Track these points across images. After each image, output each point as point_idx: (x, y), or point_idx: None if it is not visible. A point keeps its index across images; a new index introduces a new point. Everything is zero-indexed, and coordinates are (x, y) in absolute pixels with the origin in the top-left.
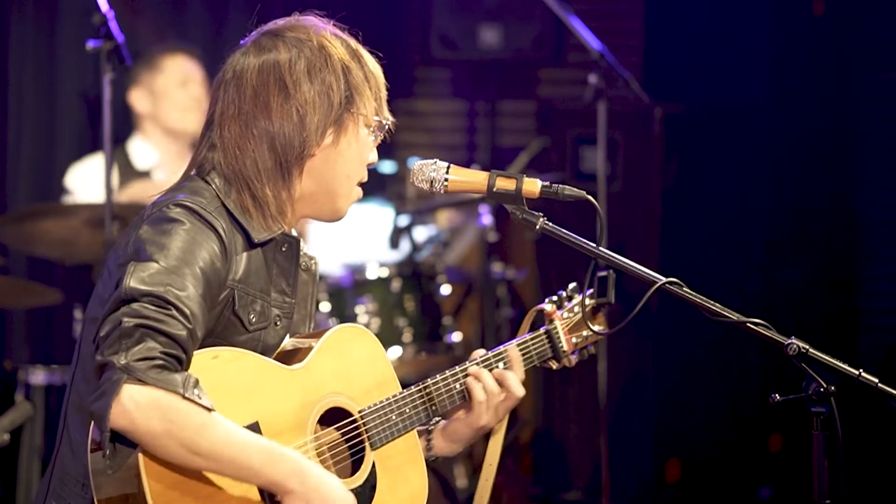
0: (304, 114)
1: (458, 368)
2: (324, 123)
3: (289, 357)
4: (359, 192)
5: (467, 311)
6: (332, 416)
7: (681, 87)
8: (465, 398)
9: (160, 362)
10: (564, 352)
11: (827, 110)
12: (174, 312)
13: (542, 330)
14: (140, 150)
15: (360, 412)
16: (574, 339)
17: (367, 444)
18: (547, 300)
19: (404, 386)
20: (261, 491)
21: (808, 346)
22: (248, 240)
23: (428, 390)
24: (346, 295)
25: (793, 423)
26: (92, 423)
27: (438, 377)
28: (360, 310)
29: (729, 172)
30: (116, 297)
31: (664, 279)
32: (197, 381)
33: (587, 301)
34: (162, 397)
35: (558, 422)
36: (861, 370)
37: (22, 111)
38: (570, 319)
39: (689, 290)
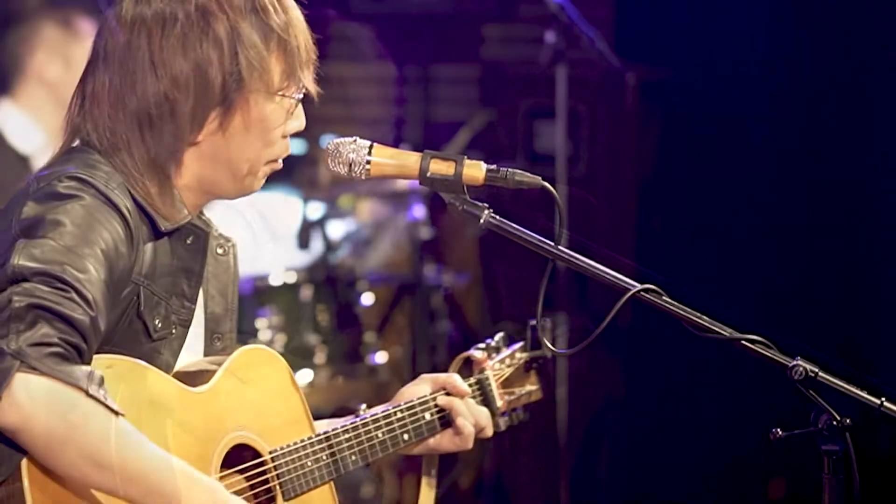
0: (173, 99)
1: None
2: (202, 110)
3: (190, 378)
4: (273, 166)
5: (394, 326)
6: (238, 453)
7: (660, 48)
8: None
9: (59, 349)
10: (498, 409)
11: (838, 79)
12: (73, 295)
13: (472, 379)
14: (13, 119)
15: (270, 453)
16: (507, 397)
17: (277, 493)
18: (474, 347)
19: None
20: None
21: (817, 369)
22: (153, 228)
23: (358, 433)
24: (243, 305)
25: (799, 465)
26: None
27: (369, 420)
28: (261, 324)
29: (719, 154)
30: (3, 278)
31: (639, 286)
32: (102, 379)
33: (518, 355)
34: (61, 392)
35: (508, 463)
36: (884, 399)
37: None
38: (502, 371)
39: (669, 300)
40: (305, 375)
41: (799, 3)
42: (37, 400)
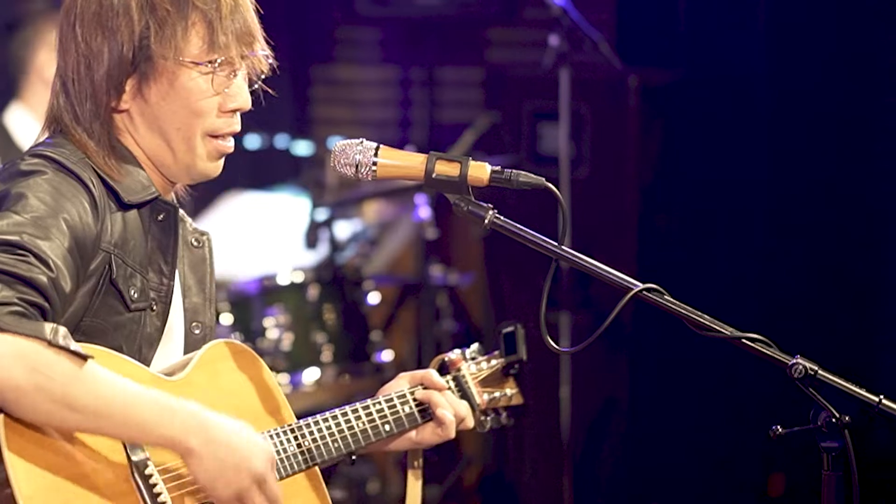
0: (90, 68)
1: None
2: (117, 76)
3: (164, 369)
4: (217, 145)
5: (400, 325)
6: None
7: (661, 51)
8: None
9: (18, 308)
10: (478, 405)
11: (839, 81)
12: (31, 258)
13: (449, 377)
14: (22, 122)
15: None
16: (486, 395)
17: None
18: (451, 350)
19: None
20: (133, 471)
21: (816, 367)
22: (118, 200)
23: (338, 421)
24: (251, 305)
25: (798, 462)
26: None
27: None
28: (269, 323)
29: (720, 155)
30: None
31: (641, 285)
32: (67, 333)
33: (495, 362)
34: (23, 344)
35: (511, 460)
36: (882, 396)
37: None
38: (479, 372)
39: (670, 299)
40: (313, 374)
41: (799, 7)
42: (0, 357)
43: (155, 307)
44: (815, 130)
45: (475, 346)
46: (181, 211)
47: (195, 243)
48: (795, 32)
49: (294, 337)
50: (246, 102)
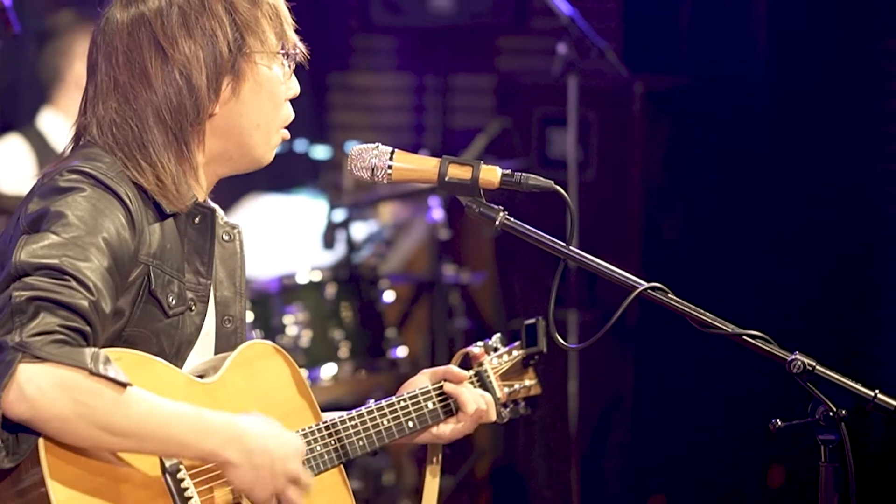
0: (188, 74)
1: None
2: (216, 78)
3: (197, 374)
4: (284, 133)
5: (415, 322)
6: None
7: (666, 59)
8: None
9: (60, 336)
10: (498, 398)
11: (840, 87)
12: (72, 283)
13: (471, 371)
14: (54, 125)
15: None
16: (506, 388)
17: None
18: (472, 345)
19: (334, 410)
20: (165, 474)
21: (814, 363)
22: (158, 209)
23: (364, 419)
24: (271, 303)
25: (797, 454)
26: None
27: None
28: (288, 320)
29: (723, 159)
30: (7, 275)
31: (646, 284)
32: (108, 358)
33: (515, 353)
34: (66, 375)
35: (521, 453)
36: (877, 391)
37: None
38: (500, 366)
39: (674, 298)
40: (330, 369)
41: (798, 14)
42: (42, 388)
43: (194, 308)
44: (815, 133)
45: (497, 336)
46: (210, 201)
47: (226, 238)
48: (795, 39)
49: (312, 334)
50: (298, 89)
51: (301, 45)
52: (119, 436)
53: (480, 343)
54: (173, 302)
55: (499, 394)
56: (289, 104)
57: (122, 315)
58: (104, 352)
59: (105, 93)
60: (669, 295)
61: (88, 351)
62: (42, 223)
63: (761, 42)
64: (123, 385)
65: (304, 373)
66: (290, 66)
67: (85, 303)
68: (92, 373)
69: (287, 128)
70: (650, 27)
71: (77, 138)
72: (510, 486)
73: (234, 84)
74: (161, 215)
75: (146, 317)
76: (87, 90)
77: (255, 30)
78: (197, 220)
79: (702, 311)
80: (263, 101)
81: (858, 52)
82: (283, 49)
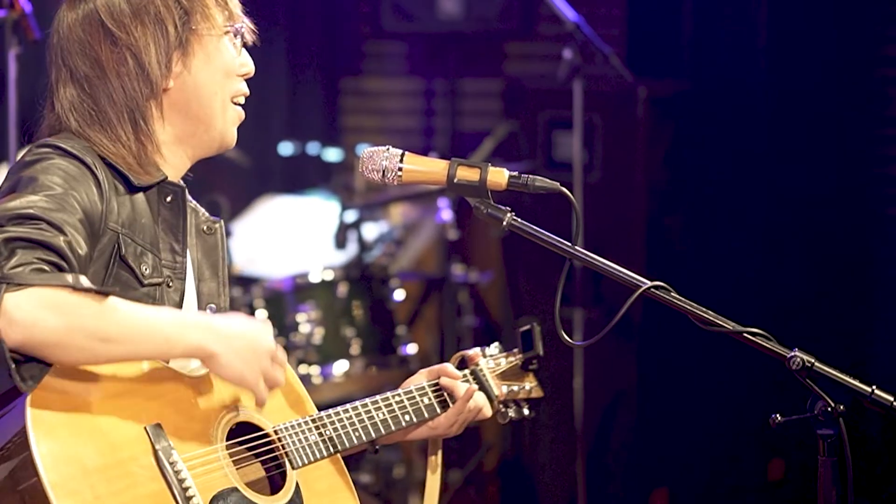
0: (137, 54)
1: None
2: (166, 55)
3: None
4: (238, 111)
5: (424, 320)
6: (241, 432)
7: (668, 64)
8: (413, 421)
9: (39, 265)
10: (496, 396)
11: (839, 89)
12: (45, 225)
13: (467, 371)
14: None
15: (273, 429)
16: (504, 387)
17: (285, 461)
18: (471, 348)
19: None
20: (155, 449)
21: (813, 360)
22: (127, 183)
23: (358, 412)
24: (285, 301)
25: (796, 448)
26: None
27: (368, 402)
28: (301, 318)
29: (724, 161)
30: None
31: (649, 283)
32: (87, 279)
33: (513, 359)
34: (51, 294)
35: (528, 446)
36: (874, 387)
37: None
38: (496, 367)
39: (677, 296)
40: (342, 366)
41: (798, 19)
42: (32, 310)
43: (171, 283)
44: (815, 134)
45: (494, 344)
46: (193, 201)
47: (207, 230)
48: (794, 44)
49: (325, 331)
50: (252, 68)
51: (248, 21)
52: (110, 342)
53: (477, 348)
54: (147, 272)
55: (496, 391)
56: (243, 81)
57: (97, 281)
58: (83, 276)
59: (63, 82)
60: (672, 293)
61: (69, 275)
62: (17, 188)
63: (761, 46)
64: (106, 294)
65: (316, 370)
66: (239, 42)
67: (59, 240)
68: (75, 288)
69: (299, 130)
70: (653, 33)
71: (47, 129)
72: (517, 479)
73: (183, 59)
74: (130, 188)
75: (120, 284)
76: (48, 86)
77: (201, 9)
78: (168, 198)
79: (704, 309)
80: (215, 72)
81: (858, 55)
82: (229, 26)
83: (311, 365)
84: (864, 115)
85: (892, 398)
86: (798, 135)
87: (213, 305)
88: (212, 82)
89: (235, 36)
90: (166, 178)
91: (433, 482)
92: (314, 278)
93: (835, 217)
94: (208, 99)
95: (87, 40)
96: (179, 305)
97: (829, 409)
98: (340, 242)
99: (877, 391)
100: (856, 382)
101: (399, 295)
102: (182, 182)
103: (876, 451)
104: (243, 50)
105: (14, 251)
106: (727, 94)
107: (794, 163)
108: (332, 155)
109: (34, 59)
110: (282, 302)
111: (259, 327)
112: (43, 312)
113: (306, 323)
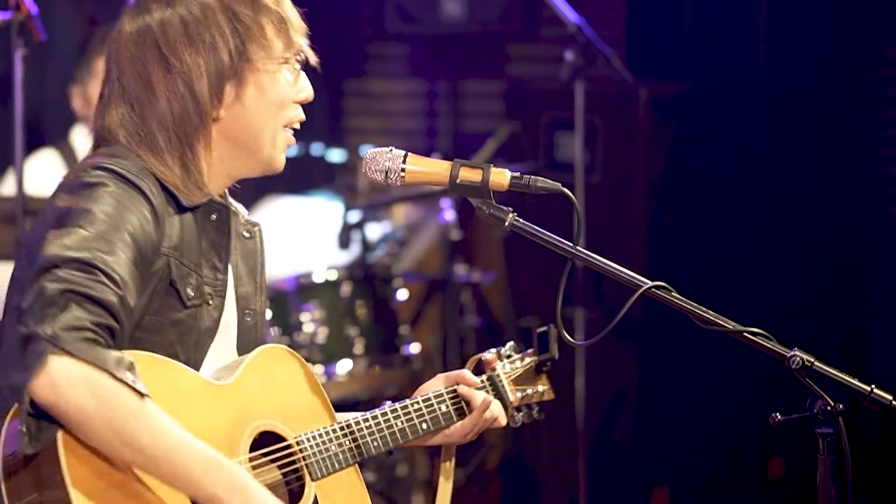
0: (190, 83)
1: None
2: (218, 85)
3: (213, 377)
4: (289, 137)
5: (427, 319)
6: (264, 441)
7: (669, 66)
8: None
9: (90, 335)
10: (510, 402)
11: (838, 92)
12: (102, 278)
13: (484, 376)
14: (85, 141)
15: (295, 439)
16: (519, 393)
17: (305, 473)
18: (487, 351)
19: (349, 405)
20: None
21: (812, 359)
22: (176, 203)
23: (378, 421)
24: (288, 301)
25: (796, 446)
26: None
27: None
28: (305, 317)
29: (724, 162)
30: (38, 267)
31: (650, 283)
32: (132, 364)
33: (528, 360)
34: (91, 373)
35: (530, 445)
36: (873, 386)
37: None
38: (512, 371)
39: (678, 296)
40: (345, 365)
41: (798, 21)
42: (69, 379)
43: (211, 301)
44: (815, 134)
45: (510, 344)
46: (234, 203)
47: (246, 234)
48: (794, 45)
49: (328, 331)
50: (311, 92)
51: (308, 49)
52: (130, 447)
53: (493, 350)
54: (191, 294)
55: (511, 398)
56: (299, 107)
57: (143, 304)
58: (128, 357)
59: (115, 99)
60: (673, 293)
61: (115, 354)
62: (69, 218)
63: (762, 48)
64: (142, 395)
65: (319, 369)
66: (297, 69)
67: (114, 298)
68: (115, 377)
69: (303, 131)
70: (654, 35)
71: (97, 142)
72: (519, 477)
73: (237, 90)
74: (180, 209)
75: (165, 307)
76: (101, 95)
77: (258, 37)
78: (213, 217)
79: (704, 308)
80: (268, 104)
81: (858, 55)
82: (288, 54)
83: (315, 364)
84: (864, 115)
85: (890, 397)
86: (798, 135)
87: (249, 311)
88: (264, 114)
89: (294, 63)
90: (212, 197)
91: (445, 489)
92: (318, 278)
93: (835, 217)
94: (259, 130)
95: (140, 59)
96: (217, 321)
97: (829, 408)
98: (344, 243)
99: (876, 390)
100: (855, 382)
101: (402, 295)
102: (230, 200)
103: (875, 450)
104: (301, 74)
105: (69, 305)
106: (727, 94)
107: (794, 163)
108: (336, 156)
109: (40, 60)
110: (286, 301)
111: None
112: (83, 389)
113: (310, 322)
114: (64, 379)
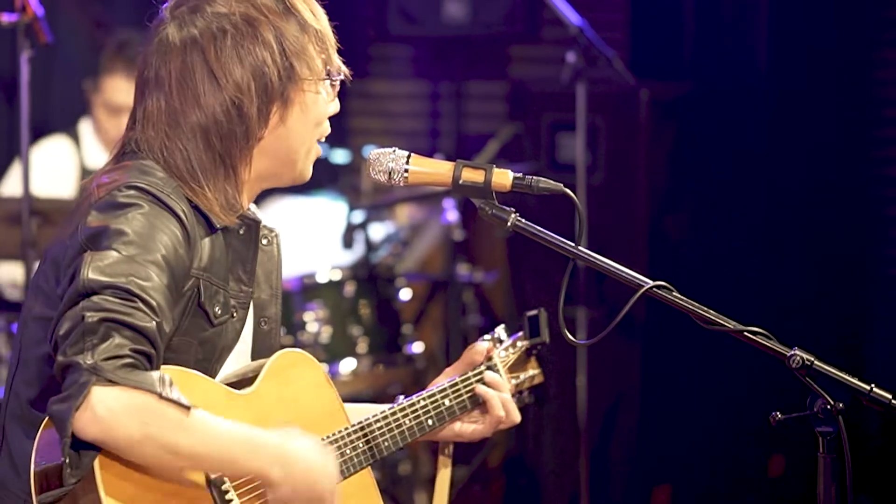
0: (240, 103)
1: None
2: (266, 107)
3: (235, 384)
4: (318, 149)
5: (430, 319)
6: None
7: (670, 67)
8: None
9: (130, 360)
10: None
11: (838, 92)
12: (140, 305)
13: (482, 367)
14: (91, 134)
15: None
16: (513, 381)
17: None
18: (481, 338)
19: (356, 402)
20: (210, 487)
21: (813, 358)
22: (208, 223)
23: (388, 421)
24: (292, 300)
25: (796, 445)
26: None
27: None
28: (308, 317)
29: (725, 162)
30: (74, 291)
31: (651, 283)
32: (171, 381)
33: (519, 343)
34: (136, 399)
35: (532, 444)
36: (873, 385)
37: None
38: (507, 358)
39: (679, 296)
40: (349, 364)
41: (799, 23)
42: (114, 410)
43: (235, 314)
44: (815, 134)
45: (501, 326)
46: (257, 214)
47: (264, 241)
48: (794, 46)
49: (332, 330)
50: (338, 106)
51: (345, 67)
52: (180, 456)
53: (488, 336)
54: (219, 311)
55: (507, 386)
56: (327, 120)
57: (174, 327)
58: (167, 375)
59: (156, 114)
60: (674, 293)
61: (155, 374)
62: (103, 240)
63: (762, 49)
64: (188, 408)
65: (324, 367)
66: (333, 88)
67: (152, 325)
68: (161, 397)
69: None
70: (655, 36)
71: (124, 148)
72: (521, 476)
73: (281, 111)
74: (211, 229)
75: (193, 327)
76: (137, 107)
77: (303, 56)
78: (241, 230)
79: (705, 308)
80: (309, 123)
81: (858, 56)
82: (328, 73)
83: (319, 363)
84: (864, 115)
85: (890, 396)
86: (798, 135)
87: (264, 318)
88: (305, 132)
89: (333, 81)
90: (241, 212)
91: (444, 478)
92: (322, 278)
93: (834, 217)
94: (297, 147)
95: (187, 72)
96: (240, 333)
97: (829, 406)
98: (347, 243)
99: (875, 389)
100: (855, 381)
101: (405, 294)
102: (255, 212)
103: (875, 449)
104: (335, 91)
105: (108, 334)
106: (728, 95)
107: (794, 163)
108: (339, 156)
109: (46, 62)
110: (290, 301)
111: (325, 472)
112: (125, 417)
113: (314, 322)
114: (108, 412)
